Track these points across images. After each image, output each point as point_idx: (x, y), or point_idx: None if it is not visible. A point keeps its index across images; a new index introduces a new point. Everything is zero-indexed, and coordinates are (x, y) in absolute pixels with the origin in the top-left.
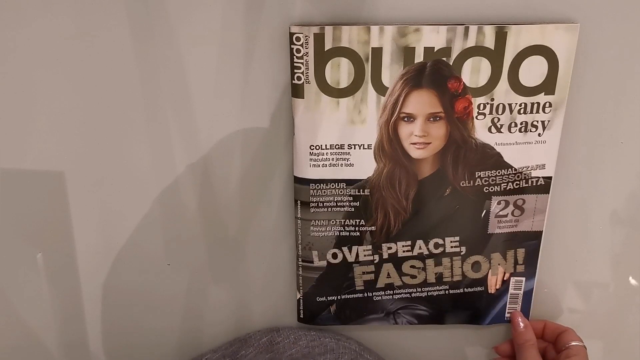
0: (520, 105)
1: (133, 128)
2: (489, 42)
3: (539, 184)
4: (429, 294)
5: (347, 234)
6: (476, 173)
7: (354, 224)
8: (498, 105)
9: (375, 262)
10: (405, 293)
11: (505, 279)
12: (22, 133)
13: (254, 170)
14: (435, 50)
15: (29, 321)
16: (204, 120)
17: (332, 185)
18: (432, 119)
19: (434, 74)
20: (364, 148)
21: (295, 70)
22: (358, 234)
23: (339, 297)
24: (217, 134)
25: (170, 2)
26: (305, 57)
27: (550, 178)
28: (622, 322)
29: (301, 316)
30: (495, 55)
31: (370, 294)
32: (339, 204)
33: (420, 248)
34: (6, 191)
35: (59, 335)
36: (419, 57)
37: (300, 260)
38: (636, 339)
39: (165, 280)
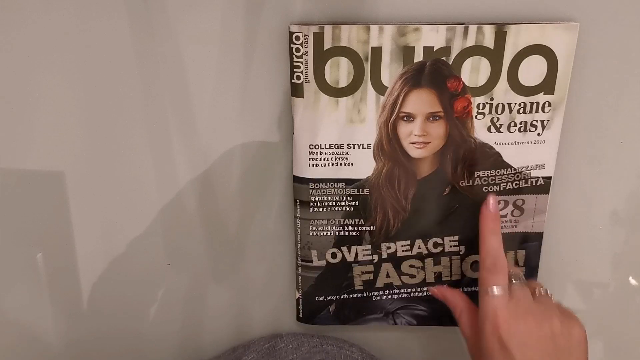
0: (519, 104)
1: (133, 127)
2: (489, 41)
3: (538, 184)
4: (428, 293)
5: (347, 233)
6: (475, 173)
7: (353, 223)
8: (497, 105)
9: (375, 261)
10: (405, 293)
11: None
12: (22, 133)
13: (254, 169)
14: (434, 49)
15: (28, 321)
16: (204, 119)
17: (332, 185)
18: (431, 119)
19: (434, 73)
20: (363, 147)
21: (295, 70)
22: (357, 233)
23: (338, 297)
24: (216, 133)
25: (170, 1)
26: (304, 57)
27: (549, 178)
28: (622, 322)
29: (300, 315)
30: (494, 55)
31: (370, 294)
32: (338, 203)
33: (419, 247)
34: (6, 191)
35: (58, 336)
36: (418, 57)
37: (299, 259)
38: (636, 339)
39: (165, 279)
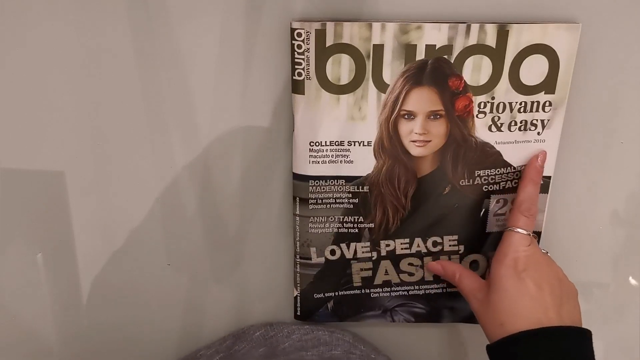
0: (520, 104)
1: (133, 126)
2: (491, 40)
3: None
4: (427, 291)
5: (346, 230)
6: (476, 172)
7: (352, 220)
8: (498, 104)
9: (373, 259)
10: (403, 290)
11: None
12: (22, 133)
13: (254, 166)
14: (436, 48)
15: (29, 321)
16: (204, 116)
17: (332, 182)
18: (432, 117)
19: (435, 71)
20: (363, 145)
21: (296, 66)
22: (356, 230)
23: (336, 294)
24: (217, 130)
25: None
26: (306, 53)
27: (549, 177)
28: (622, 322)
29: (298, 313)
30: (496, 54)
31: (368, 291)
32: (337, 200)
33: (418, 246)
34: (6, 191)
35: (59, 335)
36: (420, 55)
37: (297, 257)
38: (636, 339)
39: (165, 279)
